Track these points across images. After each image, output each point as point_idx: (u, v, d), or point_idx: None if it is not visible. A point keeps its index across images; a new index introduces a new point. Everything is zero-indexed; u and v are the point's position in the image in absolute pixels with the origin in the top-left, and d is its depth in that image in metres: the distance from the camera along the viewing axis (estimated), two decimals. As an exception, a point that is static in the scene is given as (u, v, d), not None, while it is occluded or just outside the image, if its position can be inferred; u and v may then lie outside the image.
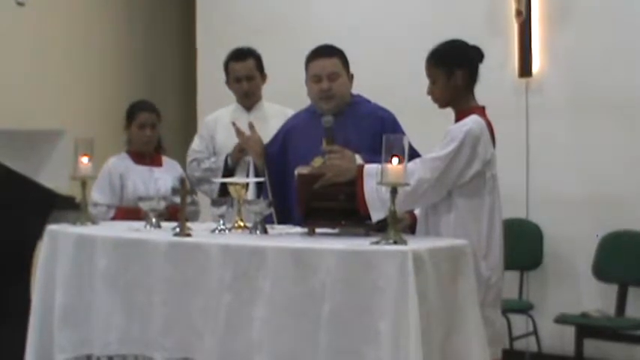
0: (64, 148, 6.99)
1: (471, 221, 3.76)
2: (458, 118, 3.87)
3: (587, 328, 5.88)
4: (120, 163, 5.25)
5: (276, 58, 5.61)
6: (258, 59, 5.35)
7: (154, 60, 8.36)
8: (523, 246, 6.38)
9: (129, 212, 4.95)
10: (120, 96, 7.12)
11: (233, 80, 5.35)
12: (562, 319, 5.98)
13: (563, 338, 6.17)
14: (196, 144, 5.45)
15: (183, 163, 5.51)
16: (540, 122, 6.51)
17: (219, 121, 5.36)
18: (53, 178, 6.44)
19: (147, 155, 5.29)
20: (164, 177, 5.19)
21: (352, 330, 3.27)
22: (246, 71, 5.32)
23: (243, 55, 5.34)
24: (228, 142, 5.08)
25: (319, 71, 4.38)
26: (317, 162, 3.85)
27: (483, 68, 3.96)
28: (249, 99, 5.35)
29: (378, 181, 3.46)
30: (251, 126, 4.63)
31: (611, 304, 6.03)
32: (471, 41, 3.98)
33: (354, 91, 4.56)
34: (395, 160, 3.39)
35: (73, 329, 3.96)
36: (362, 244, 3.40)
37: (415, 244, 3.37)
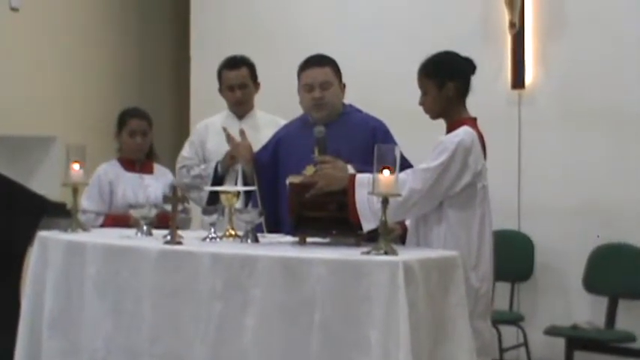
0: (56, 155, 6.98)
1: (461, 232, 3.77)
2: (449, 129, 3.88)
3: (577, 340, 5.89)
4: (110, 170, 5.23)
5: (270, 67, 5.62)
6: (251, 68, 5.35)
7: (147, 67, 8.35)
8: (514, 257, 6.39)
9: (118, 219, 4.93)
10: (113, 103, 7.11)
11: (226, 88, 5.34)
12: (552, 331, 5.99)
13: (553, 350, 6.17)
14: (186, 150, 5.43)
15: (175, 171, 5.50)
16: (533, 134, 6.53)
17: (211, 127, 5.35)
18: (45, 184, 6.43)
19: (137, 162, 5.27)
20: (154, 184, 5.18)
21: (343, 339, 3.28)
22: (239, 79, 5.30)
23: (236, 63, 5.33)
24: (218, 149, 5.07)
25: (311, 80, 4.40)
26: (309, 171, 3.85)
27: (476, 79, 3.97)
28: (241, 107, 5.34)
29: (370, 191, 3.47)
30: (242, 132, 4.64)
31: (601, 316, 6.04)
32: (465, 52, 4.00)
33: (347, 100, 4.57)
34: (386, 170, 3.40)
35: (62, 336, 3.95)
36: (353, 253, 3.41)
37: (406, 254, 3.38)
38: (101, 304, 3.82)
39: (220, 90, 5.38)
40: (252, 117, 5.35)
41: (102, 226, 5.00)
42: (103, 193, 5.15)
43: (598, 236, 6.19)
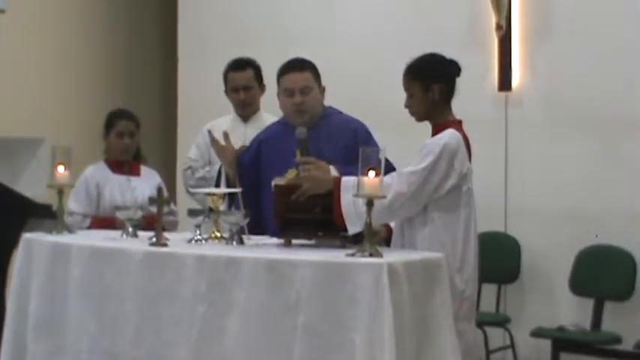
0: (44, 156, 6.96)
1: (446, 235, 3.78)
2: (435, 132, 3.89)
3: (563, 341, 5.90)
4: (97, 172, 5.23)
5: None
6: (257, 70, 5.36)
7: (134, 69, 8.34)
8: (501, 259, 6.40)
9: (105, 221, 4.93)
10: (100, 105, 7.10)
11: (231, 90, 5.36)
12: (538, 333, 6.00)
13: (539, 352, 6.19)
14: (193, 152, 5.45)
15: (162, 173, 5.50)
16: (519, 136, 6.54)
17: (216, 129, 5.31)
18: (32, 186, 6.41)
19: (125, 164, 5.27)
20: (142, 186, 5.17)
21: (327, 341, 3.29)
22: (244, 81, 5.32)
23: (242, 65, 5.35)
24: None
25: (291, 85, 4.39)
26: (291, 174, 3.86)
27: (463, 82, 3.98)
28: (245, 109, 5.35)
29: (355, 194, 3.47)
30: (225, 135, 4.64)
31: (587, 318, 6.05)
32: (452, 55, 4.00)
33: (334, 102, 4.57)
34: (371, 172, 3.40)
35: (46, 338, 3.95)
36: (338, 255, 3.42)
37: (390, 256, 3.39)
38: (85, 307, 3.82)
39: (226, 92, 5.40)
40: (257, 119, 5.34)
41: (89, 228, 4.99)
42: (90, 195, 5.14)
43: (597, 236, 6.19)
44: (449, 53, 4.02)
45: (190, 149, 5.51)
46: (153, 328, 3.62)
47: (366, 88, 6.76)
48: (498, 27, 6.51)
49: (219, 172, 5.03)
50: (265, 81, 5.35)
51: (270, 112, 5.20)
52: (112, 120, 5.28)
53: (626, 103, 6.21)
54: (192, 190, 4.81)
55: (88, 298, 3.81)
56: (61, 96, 7.58)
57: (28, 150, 7.22)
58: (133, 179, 5.24)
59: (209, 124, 5.49)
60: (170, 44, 8.12)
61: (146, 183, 5.19)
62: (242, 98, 5.32)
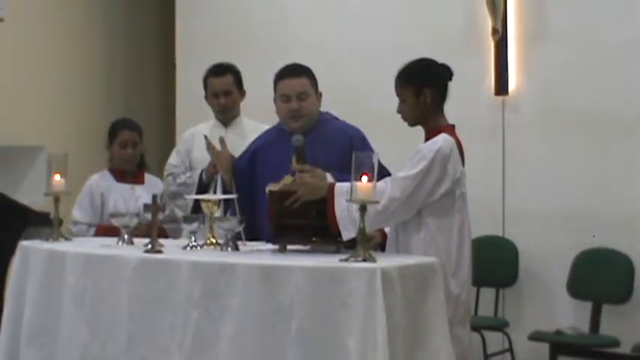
0: (42, 165, 6.96)
1: (440, 239, 3.79)
2: (428, 137, 3.90)
3: (561, 345, 5.89)
4: (101, 181, 5.26)
5: (255, 75, 5.62)
6: (237, 75, 5.38)
7: (133, 76, 8.36)
8: (499, 263, 6.40)
9: (109, 230, 4.91)
10: (99, 112, 7.14)
11: (211, 95, 5.37)
12: (536, 337, 6.00)
13: (537, 355, 6.18)
14: (173, 158, 5.46)
15: (161, 179, 5.51)
16: (516, 140, 6.54)
17: (197, 136, 5.36)
18: (31, 194, 6.43)
19: (128, 173, 5.30)
20: (145, 194, 5.17)
21: (320, 346, 3.29)
22: (224, 86, 5.33)
23: (222, 70, 5.36)
24: (204, 157, 5.07)
25: (288, 91, 4.38)
26: (287, 180, 3.87)
27: (460, 86, 3.98)
28: (226, 114, 5.37)
29: (348, 199, 3.49)
30: (222, 141, 4.65)
31: (585, 321, 6.05)
32: (448, 59, 4.00)
33: (329, 108, 4.58)
34: (364, 177, 3.41)
35: (39, 346, 3.96)
36: (331, 261, 3.42)
37: (384, 261, 3.39)
38: (79, 314, 3.82)
39: (206, 97, 5.41)
40: (238, 124, 5.37)
41: (95, 237, 4.99)
42: (94, 205, 5.18)
43: (594, 236, 6.19)
44: (445, 58, 4.02)
45: (171, 156, 5.53)
46: (146, 334, 3.62)
47: (362, 93, 6.77)
48: (494, 31, 6.51)
49: (201, 177, 5.06)
50: (262, 87, 5.36)
51: (267, 118, 5.20)
52: (115, 130, 5.32)
53: (621, 106, 6.21)
54: (187, 197, 4.82)
55: (82, 305, 3.82)
56: (61, 104, 7.60)
57: (28, 158, 7.24)
58: (137, 187, 5.28)
59: (189, 131, 5.52)
60: (168, 50, 8.14)
61: (149, 191, 5.18)
62: (222, 103, 5.33)
